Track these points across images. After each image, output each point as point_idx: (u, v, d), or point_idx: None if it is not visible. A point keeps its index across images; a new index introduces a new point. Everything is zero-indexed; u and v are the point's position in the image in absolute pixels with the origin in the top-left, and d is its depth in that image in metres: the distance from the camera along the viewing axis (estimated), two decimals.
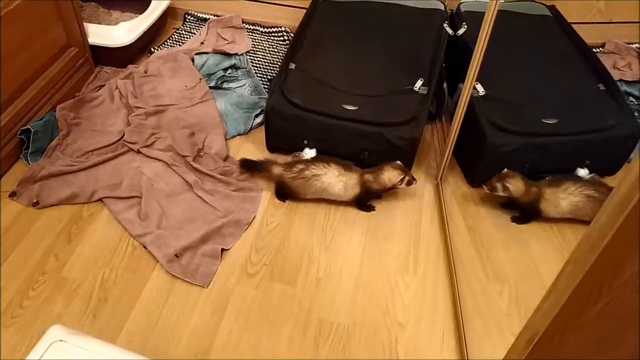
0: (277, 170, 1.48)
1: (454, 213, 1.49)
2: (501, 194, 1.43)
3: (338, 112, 1.45)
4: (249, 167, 1.52)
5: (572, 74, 1.63)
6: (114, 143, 1.60)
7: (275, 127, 1.53)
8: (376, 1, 1.86)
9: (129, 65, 1.87)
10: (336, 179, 1.43)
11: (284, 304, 1.26)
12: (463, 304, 1.26)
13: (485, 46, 1.28)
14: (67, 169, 1.50)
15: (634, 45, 2.00)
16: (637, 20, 2.02)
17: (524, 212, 1.47)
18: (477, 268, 1.36)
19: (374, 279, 1.32)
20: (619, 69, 1.93)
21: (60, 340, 0.84)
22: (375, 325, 1.23)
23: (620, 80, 1.87)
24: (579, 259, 0.68)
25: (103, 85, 1.80)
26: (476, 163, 1.52)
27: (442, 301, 1.29)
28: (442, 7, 1.83)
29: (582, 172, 1.50)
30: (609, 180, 1.54)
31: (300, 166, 1.44)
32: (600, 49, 2.01)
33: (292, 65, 1.58)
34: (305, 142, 1.50)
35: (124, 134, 1.61)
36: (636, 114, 1.74)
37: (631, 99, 1.83)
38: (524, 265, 1.37)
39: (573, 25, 1.79)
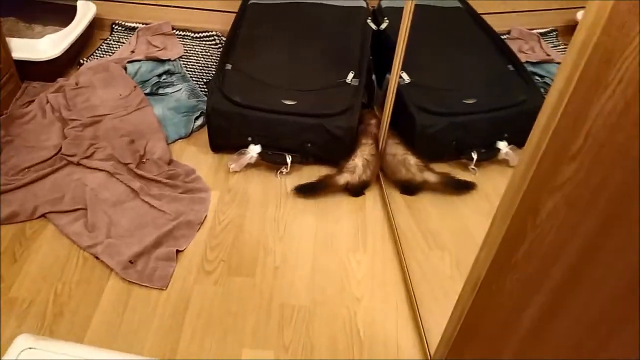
0: (342, 179, 1.53)
1: (394, 193, 1.60)
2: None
3: (278, 107, 1.52)
4: (309, 191, 1.55)
5: (485, 58, 1.80)
6: (50, 158, 1.57)
7: (217, 127, 1.57)
8: (303, 2, 1.95)
9: (59, 79, 1.83)
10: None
11: (245, 296, 1.30)
12: (411, 274, 1.37)
13: (406, 38, 1.40)
14: (3, 189, 1.45)
15: (535, 31, 2.23)
16: (537, 9, 2.24)
17: None
18: (419, 239, 1.48)
19: (328, 261, 1.40)
20: (524, 52, 2.14)
21: (30, 348, 0.84)
22: (334, 303, 1.30)
23: (526, 62, 2.07)
24: (504, 210, 0.79)
25: (32, 101, 1.75)
26: (408, 144, 1.64)
27: (391, 273, 1.39)
28: (365, 5, 1.95)
29: (502, 145, 1.66)
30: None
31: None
32: (507, 35, 2.22)
33: (229, 66, 1.63)
34: (249, 138, 1.56)
35: (60, 148, 1.58)
36: (542, 90, 1.95)
37: (536, 77, 2.04)
38: (459, 232, 1.50)
39: (482, 16, 1.97)
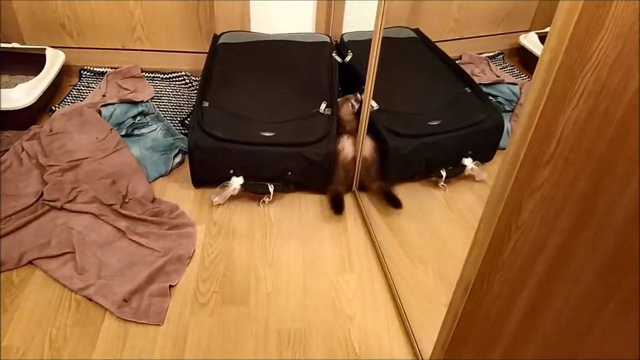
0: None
1: (373, 214, 1.68)
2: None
3: (258, 139, 1.58)
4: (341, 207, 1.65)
5: (444, 82, 1.94)
6: (32, 204, 1.56)
7: (199, 163, 1.62)
8: (270, 40, 2.05)
9: (32, 126, 1.83)
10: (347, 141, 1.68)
11: (241, 324, 1.33)
12: (398, 289, 1.44)
13: (376, 68, 1.51)
14: None
15: (483, 55, 2.41)
16: (483, 35, 2.44)
17: None
18: (402, 256, 1.55)
19: (317, 283, 1.45)
20: (476, 75, 2.31)
21: None
22: (328, 323, 1.35)
23: (480, 83, 2.24)
24: (489, 213, 0.88)
25: (7, 150, 1.74)
26: (383, 166, 1.74)
27: (379, 290, 1.45)
28: (328, 39, 2.07)
29: (467, 161, 1.78)
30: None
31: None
32: (459, 60, 2.39)
33: (206, 104, 1.69)
34: (231, 171, 1.61)
35: (41, 194, 1.58)
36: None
37: (490, 97, 2.20)
38: (438, 246, 1.60)
39: (436, 43, 2.13)
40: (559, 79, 0.63)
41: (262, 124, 1.65)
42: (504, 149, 1.88)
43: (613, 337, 0.95)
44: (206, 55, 1.97)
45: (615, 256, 0.84)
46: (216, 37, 2.07)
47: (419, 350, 1.28)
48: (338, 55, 1.98)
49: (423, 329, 1.33)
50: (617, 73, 0.60)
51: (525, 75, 2.33)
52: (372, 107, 1.72)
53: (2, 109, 1.77)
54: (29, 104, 1.80)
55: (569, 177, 0.74)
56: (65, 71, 2.13)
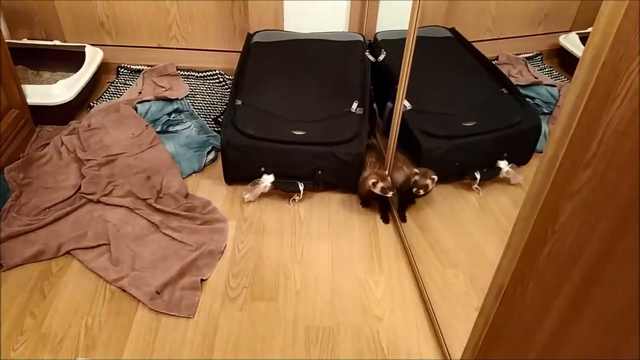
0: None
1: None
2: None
3: (290, 138, 1.59)
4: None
5: (480, 82, 1.91)
6: (70, 197, 1.61)
7: (232, 160, 1.63)
8: (303, 39, 2.05)
9: (71, 122, 1.90)
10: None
11: (270, 320, 1.34)
12: (428, 292, 1.42)
13: (409, 68, 1.49)
14: (26, 229, 1.49)
15: (521, 56, 2.35)
16: (522, 35, 2.38)
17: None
18: (432, 259, 1.53)
19: (347, 283, 1.45)
20: (513, 76, 2.26)
21: None
22: (357, 323, 1.35)
23: (516, 85, 2.19)
24: (525, 216, 0.85)
25: (47, 144, 1.80)
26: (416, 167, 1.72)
27: (409, 292, 1.44)
28: (361, 39, 2.06)
29: (503, 164, 1.74)
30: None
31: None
32: (495, 61, 2.34)
33: (239, 102, 1.71)
34: (263, 169, 1.62)
35: (79, 187, 1.63)
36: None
37: (527, 99, 2.15)
38: (470, 249, 1.57)
39: (472, 43, 2.09)
40: (603, 77, 0.61)
41: (294, 122, 1.65)
42: (541, 152, 1.82)
43: None
44: (240, 54, 2.00)
45: None
46: (250, 36, 2.09)
47: (449, 354, 1.26)
48: (371, 54, 1.97)
49: (453, 332, 1.31)
50: None
51: (565, 77, 2.26)
52: (405, 107, 1.70)
53: (43, 105, 1.83)
54: (69, 100, 1.86)
55: (610, 181, 0.71)
56: (103, 68, 2.19)
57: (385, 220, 1.64)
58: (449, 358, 1.25)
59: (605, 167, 0.70)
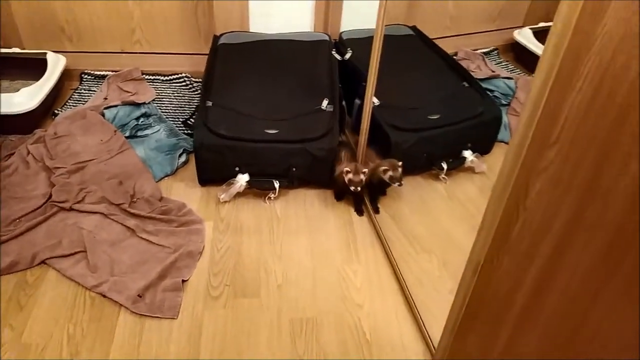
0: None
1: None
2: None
3: (263, 136, 1.62)
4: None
5: (442, 77, 1.99)
6: (40, 206, 1.58)
7: (205, 161, 1.64)
8: (270, 40, 2.08)
9: (36, 130, 1.85)
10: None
11: (254, 315, 1.36)
12: (404, 277, 1.47)
13: (377, 65, 1.55)
14: None
15: (478, 51, 2.46)
16: (478, 32, 2.48)
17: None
18: (406, 246, 1.59)
19: (326, 274, 1.48)
20: (472, 70, 2.36)
21: None
22: (339, 312, 1.39)
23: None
24: (497, 196, 0.91)
25: (12, 154, 1.75)
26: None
27: (386, 279, 1.49)
28: (327, 38, 2.10)
29: (467, 154, 1.82)
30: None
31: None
32: (454, 57, 2.44)
33: (209, 103, 1.72)
34: (237, 168, 1.64)
35: (50, 196, 1.60)
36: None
37: (487, 92, 2.25)
38: (441, 235, 1.64)
39: (432, 40, 2.17)
40: (565, 62, 0.67)
41: (266, 121, 1.68)
42: (502, 141, 1.92)
43: (615, 312, 0.99)
44: (206, 56, 2.00)
45: (617, 234, 0.87)
46: (216, 38, 2.10)
47: (429, 336, 1.32)
48: (337, 53, 2.02)
49: (431, 315, 1.36)
50: (620, 55, 0.64)
51: (520, 70, 2.38)
52: (374, 103, 1.76)
53: (5, 114, 1.78)
54: (32, 108, 1.82)
55: (574, 158, 0.78)
56: (66, 75, 2.15)
57: (360, 212, 1.69)
58: (429, 339, 1.31)
59: (569, 145, 0.76)
